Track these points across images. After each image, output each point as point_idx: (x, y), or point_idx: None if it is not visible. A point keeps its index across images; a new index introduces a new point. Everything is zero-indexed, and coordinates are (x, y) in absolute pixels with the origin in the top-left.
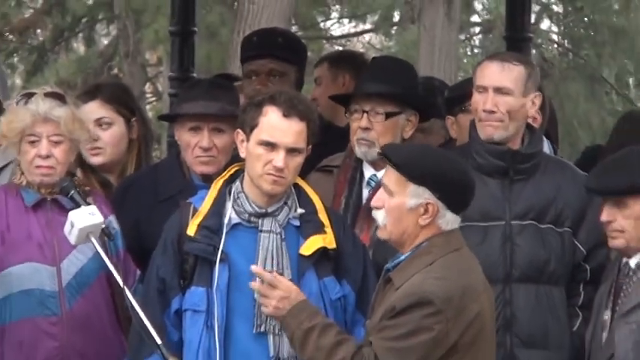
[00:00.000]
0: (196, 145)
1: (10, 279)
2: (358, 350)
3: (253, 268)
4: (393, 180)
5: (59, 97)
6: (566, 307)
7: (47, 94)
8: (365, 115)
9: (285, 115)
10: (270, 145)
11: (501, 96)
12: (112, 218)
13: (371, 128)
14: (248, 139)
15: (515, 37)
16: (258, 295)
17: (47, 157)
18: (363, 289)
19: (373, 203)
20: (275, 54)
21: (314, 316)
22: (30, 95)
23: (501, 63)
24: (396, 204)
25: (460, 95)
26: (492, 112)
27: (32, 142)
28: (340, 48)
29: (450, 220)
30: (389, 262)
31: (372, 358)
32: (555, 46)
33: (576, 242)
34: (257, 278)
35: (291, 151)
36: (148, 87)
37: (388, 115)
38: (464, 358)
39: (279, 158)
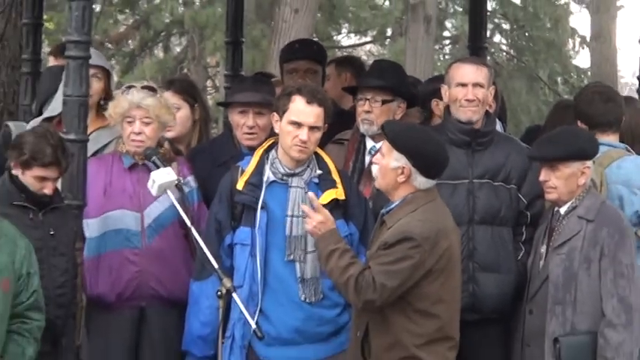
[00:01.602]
0: (244, 125)
1: (106, 221)
2: (362, 271)
3: (310, 194)
4: (385, 146)
5: (151, 89)
6: (513, 243)
7: (142, 87)
8: (367, 102)
9: (308, 102)
10: (297, 124)
11: (478, 89)
12: (191, 178)
13: (371, 111)
14: (281, 120)
15: (475, 47)
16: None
17: (139, 133)
18: (364, 229)
19: (372, 161)
20: (311, 57)
21: (338, 242)
22: (130, 87)
23: (475, 65)
24: (384, 163)
25: (436, 88)
26: (472, 100)
27: (129, 122)
28: (346, 54)
29: (422, 182)
30: (383, 209)
31: (370, 277)
32: (504, 53)
33: (520, 195)
34: (295, 218)
35: (312, 128)
36: (208, 83)
37: (384, 102)
38: (437, 279)
39: (303, 134)
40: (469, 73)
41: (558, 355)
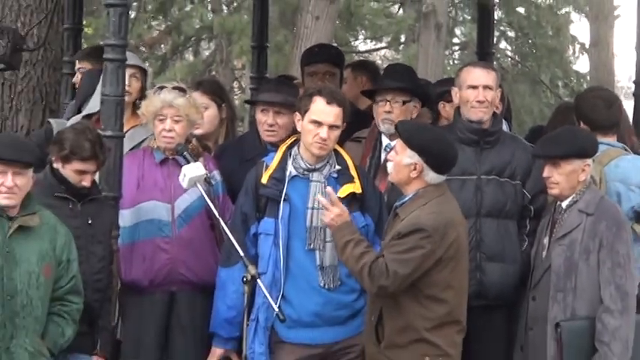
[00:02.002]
0: (265, 122)
1: (139, 212)
2: (376, 259)
3: (329, 189)
4: (399, 145)
5: (181, 90)
6: (517, 234)
7: (173, 88)
8: (388, 103)
9: (328, 102)
10: (318, 123)
11: (488, 91)
12: (216, 172)
13: (392, 112)
14: (303, 119)
15: (482, 52)
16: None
17: (170, 130)
18: (380, 221)
19: (387, 157)
20: (330, 61)
21: (353, 233)
22: (161, 88)
23: (485, 69)
24: (397, 160)
25: (443, 91)
26: (482, 101)
27: (161, 120)
28: (362, 58)
29: (433, 177)
30: (397, 202)
31: (383, 265)
32: (509, 59)
33: (524, 191)
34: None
35: (331, 127)
36: (235, 84)
37: (404, 102)
38: (446, 267)
39: (323, 132)
40: (480, 76)
41: (559, 338)
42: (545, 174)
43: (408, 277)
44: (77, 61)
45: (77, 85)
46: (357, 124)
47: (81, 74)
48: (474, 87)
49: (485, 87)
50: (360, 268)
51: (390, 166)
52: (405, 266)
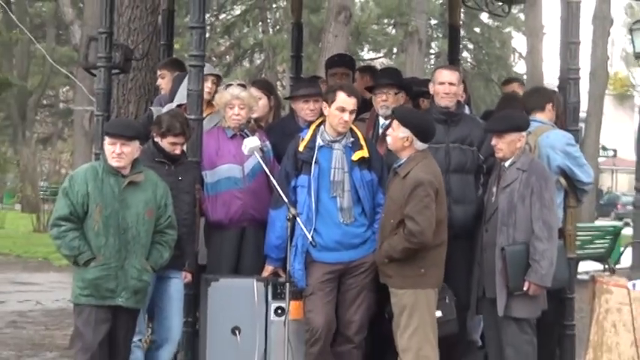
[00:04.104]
0: (307, 108)
1: (219, 172)
2: (402, 231)
3: None
4: (395, 123)
5: (243, 86)
6: (475, 185)
7: (238, 84)
8: (385, 94)
9: (348, 95)
10: (342, 109)
11: (452, 86)
12: (267, 143)
13: (387, 100)
14: (330, 107)
15: (451, 59)
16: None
17: (237, 115)
18: (382, 176)
19: (386, 133)
20: (345, 65)
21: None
22: (229, 85)
23: (450, 71)
24: (394, 135)
25: (422, 91)
26: (448, 93)
27: (230, 108)
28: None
29: (419, 146)
30: (395, 164)
31: (409, 220)
32: (469, 64)
33: (479, 155)
34: (337, 169)
35: (351, 112)
36: (278, 83)
37: (395, 94)
38: (435, 204)
39: (346, 115)
40: (446, 75)
41: (504, 258)
42: (493, 143)
43: (431, 216)
44: (158, 69)
45: (160, 86)
46: (362, 108)
47: (162, 78)
48: (442, 83)
49: (451, 83)
50: (402, 248)
51: (388, 139)
52: (424, 210)
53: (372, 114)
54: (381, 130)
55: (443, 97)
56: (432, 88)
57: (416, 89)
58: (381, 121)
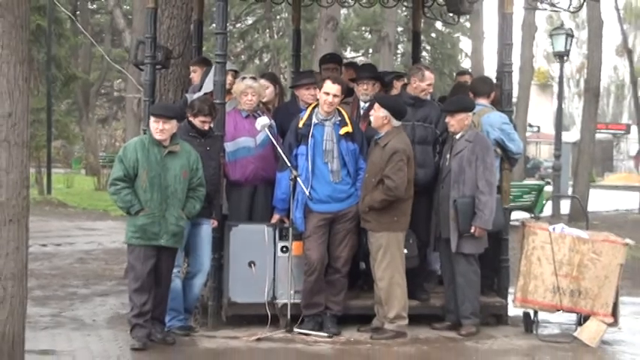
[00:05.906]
0: (309, 93)
1: (237, 143)
2: (382, 186)
3: None
4: (376, 106)
5: (254, 78)
6: (432, 153)
7: (250, 77)
8: (365, 84)
9: (332, 82)
10: (326, 93)
11: (431, 86)
12: (273, 122)
13: (368, 89)
14: (320, 91)
15: (415, 58)
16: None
17: (250, 100)
18: (362, 146)
19: (369, 113)
20: (334, 62)
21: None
22: (243, 78)
23: (431, 72)
24: (376, 114)
25: (391, 77)
26: (425, 89)
27: (245, 95)
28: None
29: (395, 123)
30: (375, 136)
31: (388, 178)
32: (427, 61)
33: (436, 130)
34: (328, 141)
35: (335, 96)
36: (282, 76)
37: (373, 84)
38: (407, 166)
39: (329, 98)
40: (428, 77)
41: (456, 208)
42: (447, 120)
43: (404, 176)
44: (191, 65)
45: (193, 79)
46: (347, 94)
47: (194, 72)
48: (429, 83)
49: (430, 84)
50: (380, 200)
51: (371, 117)
52: (397, 172)
53: (355, 99)
54: (362, 112)
55: (424, 91)
56: (414, 81)
57: (387, 79)
58: (362, 104)
